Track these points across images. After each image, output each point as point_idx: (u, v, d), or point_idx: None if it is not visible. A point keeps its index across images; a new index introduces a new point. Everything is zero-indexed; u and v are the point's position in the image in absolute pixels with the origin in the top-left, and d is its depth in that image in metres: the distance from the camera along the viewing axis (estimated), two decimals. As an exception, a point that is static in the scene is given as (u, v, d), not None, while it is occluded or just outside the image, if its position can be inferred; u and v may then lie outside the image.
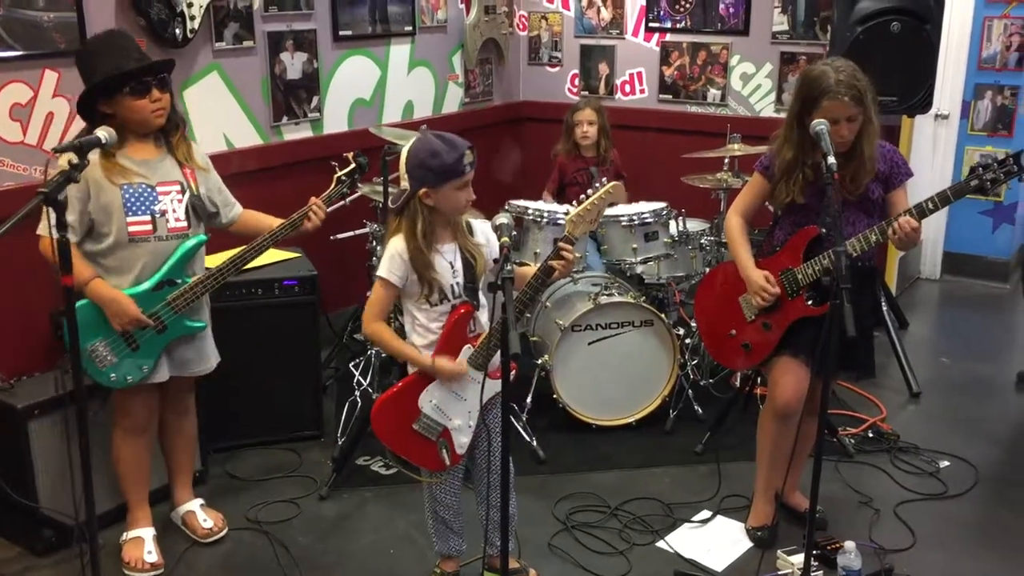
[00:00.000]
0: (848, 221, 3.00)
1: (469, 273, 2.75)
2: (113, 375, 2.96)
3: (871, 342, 3.27)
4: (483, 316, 2.79)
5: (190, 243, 3.00)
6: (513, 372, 2.82)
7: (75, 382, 2.45)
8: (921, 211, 2.90)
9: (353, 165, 3.16)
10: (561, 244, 2.69)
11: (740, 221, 3.25)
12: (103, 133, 2.44)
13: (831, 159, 2.71)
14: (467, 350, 2.74)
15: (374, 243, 4.21)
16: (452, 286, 2.73)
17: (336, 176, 3.17)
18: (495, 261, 2.69)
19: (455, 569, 3.04)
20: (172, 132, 3.02)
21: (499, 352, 2.72)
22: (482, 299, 2.81)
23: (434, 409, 2.77)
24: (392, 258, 2.70)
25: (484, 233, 2.81)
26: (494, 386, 2.77)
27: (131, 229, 2.90)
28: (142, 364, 2.99)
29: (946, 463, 3.84)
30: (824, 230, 3.05)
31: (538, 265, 2.76)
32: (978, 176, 2.86)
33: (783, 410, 3.15)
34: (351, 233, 4.25)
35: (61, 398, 3.12)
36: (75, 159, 2.35)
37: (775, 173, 3.12)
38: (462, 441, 2.82)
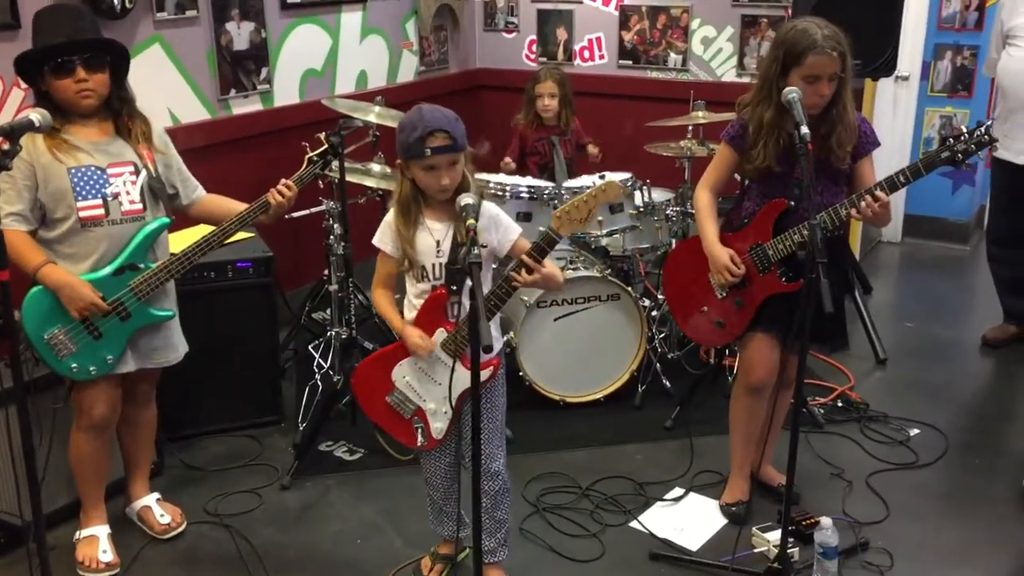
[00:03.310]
0: (815, 190, 2.91)
1: (455, 255, 2.60)
2: (74, 365, 2.82)
3: (843, 313, 3.22)
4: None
5: (152, 226, 2.89)
6: (494, 367, 2.72)
7: (15, 377, 2.30)
8: (892, 184, 2.82)
9: (325, 146, 3.01)
10: (526, 258, 2.50)
11: (709, 196, 3.14)
12: (36, 116, 2.28)
13: (804, 129, 2.62)
14: (440, 333, 2.64)
15: (330, 220, 4.07)
16: (433, 266, 2.61)
17: (307, 157, 3.02)
18: (467, 245, 2.29)
19: (448, 552, 2.96)
20: (119, 114, 2.88)
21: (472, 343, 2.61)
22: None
23: (407, 386, 2.71)
24: (383, 227, 2.66)
25: (492, 218, 2.64)
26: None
27: (82, 214, 2.78)
28: (106, 355, 2.86)
29: (915, 431, 3.83)
30: (793, 203, 2.98)
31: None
32: (949, 148, 2.79)
33: (757, 384, 3.13)
34: (306, 211, 4.11)
35: (4, 394, 2.96)
36: (6, 145, 2.19)
37: (750, 137, 3.00)
38: (438, 427, 2.73)
